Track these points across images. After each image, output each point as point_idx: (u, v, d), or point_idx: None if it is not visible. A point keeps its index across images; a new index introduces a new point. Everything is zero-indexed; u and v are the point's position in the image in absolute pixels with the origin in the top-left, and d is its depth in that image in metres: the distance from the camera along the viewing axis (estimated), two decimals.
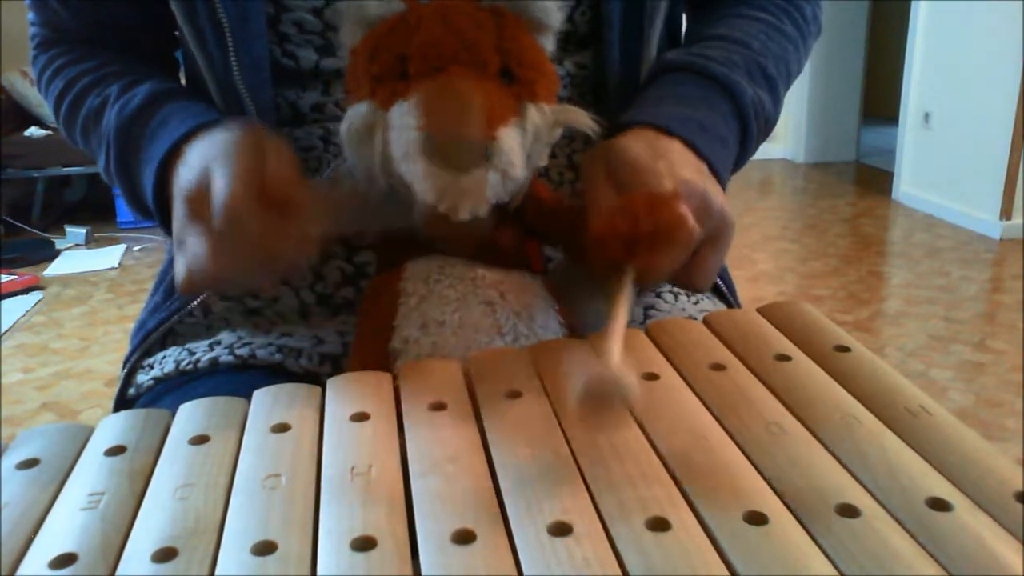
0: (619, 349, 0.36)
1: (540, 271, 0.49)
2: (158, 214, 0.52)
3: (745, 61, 0.55)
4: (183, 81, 0.63)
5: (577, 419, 0.34)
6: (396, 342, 0.44)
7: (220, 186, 0.42)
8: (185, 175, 0.45)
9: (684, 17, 0.65)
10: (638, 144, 0.48)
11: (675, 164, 0.46)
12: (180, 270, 0.44)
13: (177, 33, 0.60)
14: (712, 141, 0.50)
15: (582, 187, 0.49)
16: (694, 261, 0.46)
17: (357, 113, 0.44)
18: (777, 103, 0.58)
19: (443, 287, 0.45)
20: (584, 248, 0.45)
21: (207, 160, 0.44)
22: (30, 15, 0.63)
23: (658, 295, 0.62)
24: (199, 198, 0.43)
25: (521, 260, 0.48)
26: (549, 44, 0.46)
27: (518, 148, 0.42)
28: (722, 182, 0.50)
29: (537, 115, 0.44)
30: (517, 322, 0.45)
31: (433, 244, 0.47)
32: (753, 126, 0.55)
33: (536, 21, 0.45)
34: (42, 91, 0.63)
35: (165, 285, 0.62)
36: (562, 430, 0.36)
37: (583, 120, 0.45)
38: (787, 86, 0.60)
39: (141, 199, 0.54)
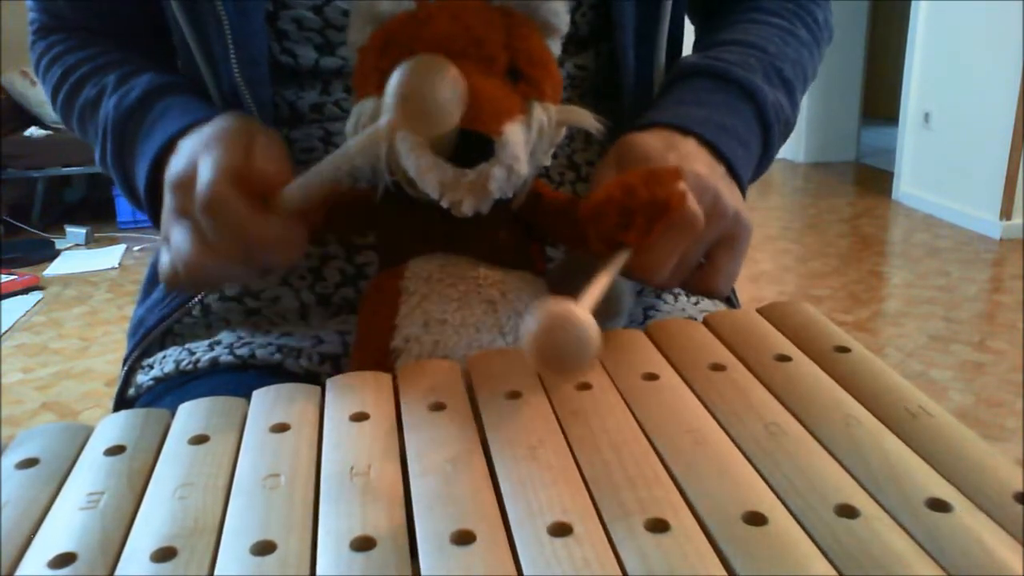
0: (588, 306, 0.35)
1: (542, 272, 0.49)
2: (151, 208, 0.52)
3: (762, 65, 0.55)
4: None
5: (533, 359, 0.32)
6: (398, 340, 0.44)
7: (204, 173, 0.42)
8: (175, 165, 0.45)
9: (687, 23, 0.65)
10: (652, 139, 0.48)
11: (688, 159, 0.46)
12: (164, 263, 0.45)
13: (173, 29, 0.60)
14: (732, 142, 0.50)
15: (593, 178, 0.49)
16: (709, 264, 0.46)
17: (364, 109, 0.44)
18: (795, 106, 0.57)
19: (445, 286, 0.45)
20: (583, 236, 0.44)
21: (195, 148, 0.44)
22: (29, 1, 0.64)
23: (658, 295, 0.62)
24: (186, 187, 0.43)
25: (524, 261, 0.48)
26: (556, 47, 0.46)
27: (523, 144, 0.42)
28: (742, 184, 0.50)
29: (543, 114, 0.44)
30: (519, 322, 0.45)
31: (435, 242, 0.47)
32: (775, 129, 0.54)
33: (544, 23, 0.45)
34: (39, 77, 0.63)
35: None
36: (562, 430, 0.36)
37: (587, 120, 0.45)
38: (804, 90, 0.59)
39: (135, 191, 0.54)
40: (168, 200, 0.45)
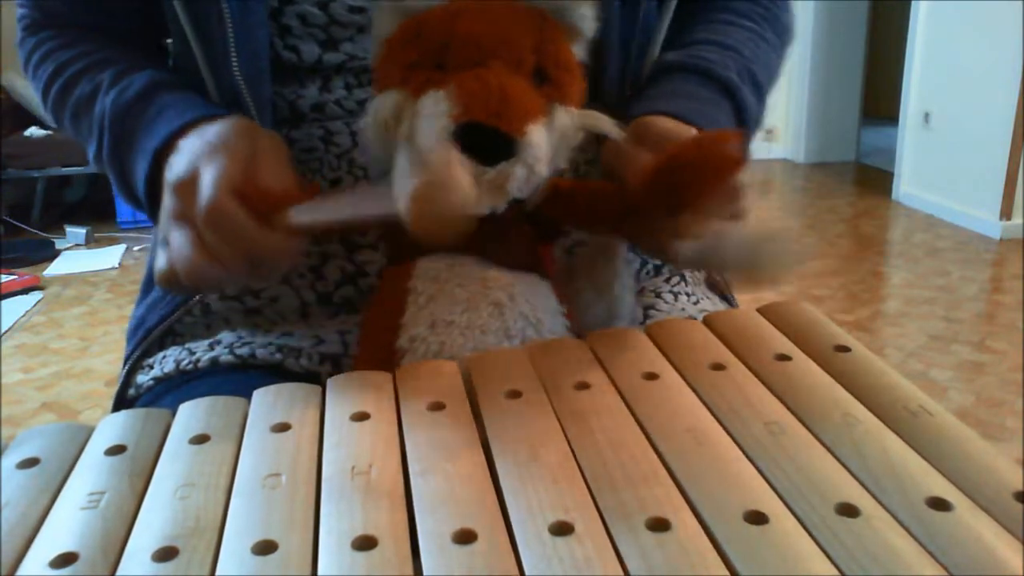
0: None
1: (551, 275, 0.49)
2: (149, 205, 0.52)
3: (737, 66, 0.57)
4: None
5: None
6: (403, 340, 0.44)
7: (206, 183, 0.42)
8: (176, 166, 0.46)
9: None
10: (667, 122, 0.49)
11: None
12: (161, 264, 0.45)
13: (171, 24, 0.60)
14: None
15: (609, 160, 0.49)
16: None
17: (386, 100, 0.44)
18: (762, 109, 0.60)
19: (453, 287, 0.45)
20: (616, 213, 0.45)
21: (198, 153, 0.44)
22: None
23: (658, 295, 0.62)
24: (187, 191, 0.43)
25: (533, 263, 0.48)
26: (580, 52, 0.47)
27: (545, 145, 0.43)
28: None
29: (565, 117, 0.44)
30: (525, 325, 0.45)
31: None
32: (750, 127, 0.56)
33: (573, 27, 0.45)
34: (28, 74, 0.62)
35: None
36: (563, 430, 0.36)
37: (607, 126, 0.46)
38: (769, 91, 0.62)
39: (132, 188, 0.54)
40: (168, 201, 0.45)
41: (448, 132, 0.41)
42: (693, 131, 0.48)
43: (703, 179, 0.41)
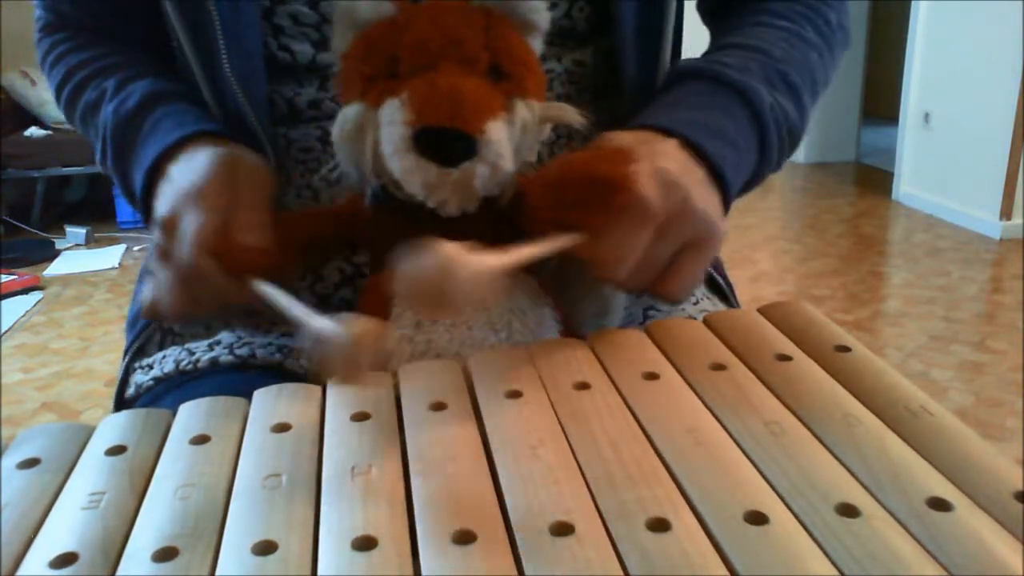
0: (488, 265, 0.38)
1: (534, 270, 0.49)
2: (145, 216, 0.54)
3: (763, 68, 0.54)
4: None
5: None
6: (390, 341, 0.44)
7: (186, 238, 0.45)
8: (163, 200, 0.49)
9: (689, 27, 0.65)
10: (629, 136, 0.47)
11: (660, 156, 0.45)
12: (147, 296, 0.48)
13: (168, 26, 0.60)
14: (720, 144, 0.49)
15: None
16: (671, 267, 0.44)
17: (349, 114, 0.44)
18: (802, 110, 0.56)
19: None
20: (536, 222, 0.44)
21: (181, 195, 0.47)
22: (35, 0, 0.65)
23: None
24: (170, 232, 0.47)
25: None
26: (537, 45, 0.46)
27: (506, 141, 0.43)
28: (729, 187, 0.49)
29: (525, 110, 0.44)
30: (512, 318, 0.46)
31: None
32: (772, 132, 0.53)
33: (524, 21, 0.45)
34: (45, 74, 0.65)
35: None
36: (563, 429, 0.36)
37: (571, 116, 0.45)
38: (814, 93, 0.58)
39: (133, 195, 0.56)
40: (156, 236, 0.48)
41: (406, 139, 0.41)
42: (644, 152, 0.45)
43: (576, 200, 0.42)
